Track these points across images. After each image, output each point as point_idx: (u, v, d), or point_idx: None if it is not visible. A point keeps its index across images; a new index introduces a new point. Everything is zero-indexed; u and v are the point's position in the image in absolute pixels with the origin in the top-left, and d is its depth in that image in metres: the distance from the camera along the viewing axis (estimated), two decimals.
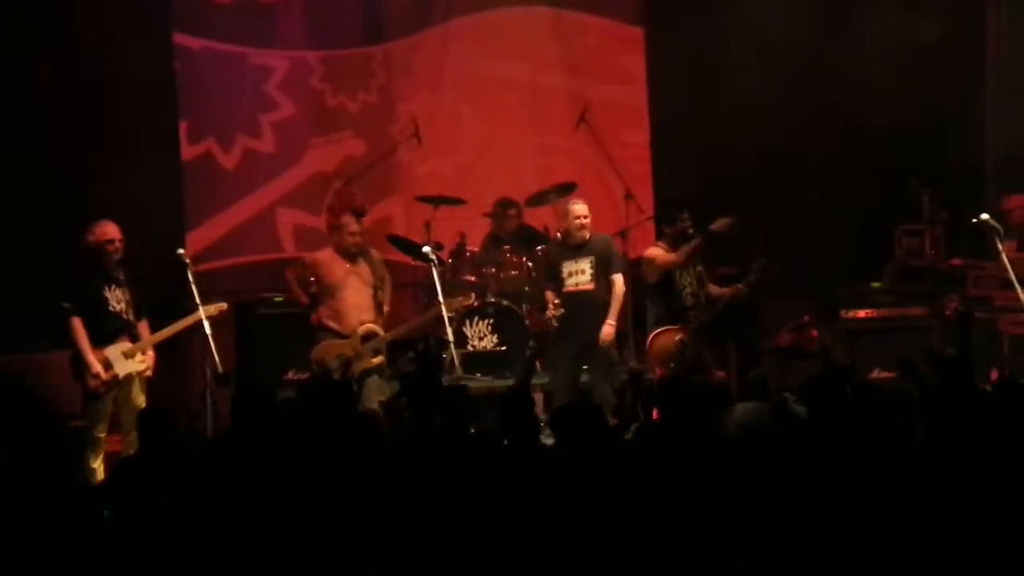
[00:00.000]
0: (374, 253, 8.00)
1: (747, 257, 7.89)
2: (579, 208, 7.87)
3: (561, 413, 5.15)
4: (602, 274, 7.82)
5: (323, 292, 7.80)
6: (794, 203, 8.76)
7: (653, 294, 7.74)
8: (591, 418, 4.94)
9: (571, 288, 7.80)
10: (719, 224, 7.53)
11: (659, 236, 7.94)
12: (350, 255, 7.83)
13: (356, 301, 7.76)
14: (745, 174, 9.53)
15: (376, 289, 7.84)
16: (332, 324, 7.75)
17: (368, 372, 7.69)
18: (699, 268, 7.73)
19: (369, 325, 7.73)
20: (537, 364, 8.75)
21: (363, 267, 7.84)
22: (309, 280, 7.89)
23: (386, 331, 7.79)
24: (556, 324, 7.76)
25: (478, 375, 8.70)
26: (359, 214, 8.48)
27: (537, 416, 5.36)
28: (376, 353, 7.71)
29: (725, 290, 7.74)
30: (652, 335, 7.72)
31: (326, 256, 7.90)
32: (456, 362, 7.93)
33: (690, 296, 7.66)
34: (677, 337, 7.58)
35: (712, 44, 9.56)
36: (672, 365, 7.57)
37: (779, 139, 9.24)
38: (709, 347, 7.79)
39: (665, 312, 7.65)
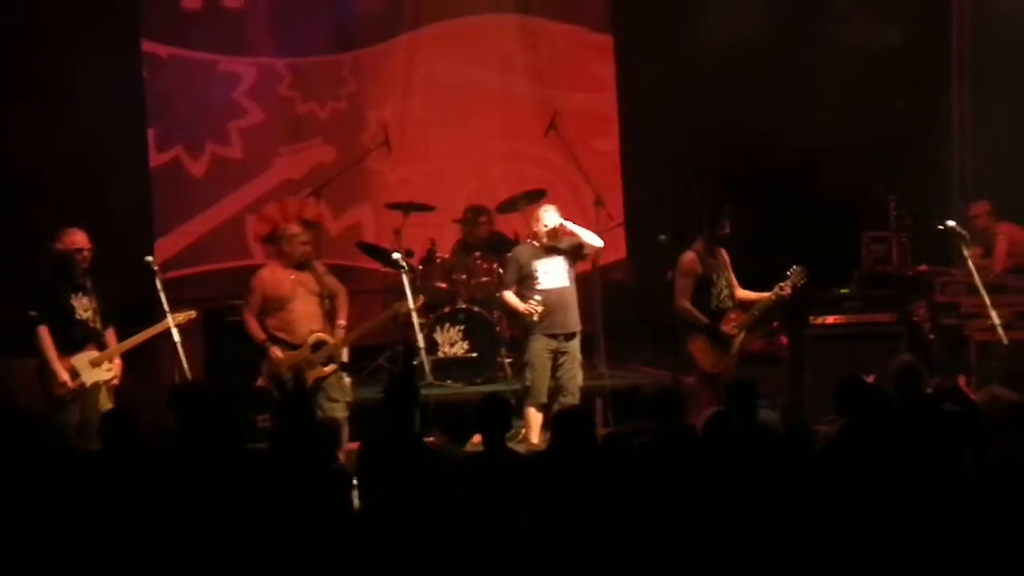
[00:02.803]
0: (318, 266, 7.79)
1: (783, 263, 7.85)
2: (556, 217, 7.84)
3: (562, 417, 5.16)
4: (572, 274, 7.82)
5: (270, 306, 7.62)
6: (762, 209, 8.73)
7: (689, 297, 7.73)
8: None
9: (549, 286, 7.77)
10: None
11: (695, 240, 7.85)
12: (296, 265, 7.70)
13: (304, 311, 7.59)
14: (713, 181, 9.53)
15: (323, 298, 7.71)
16: (282, 335, 7.61)
17: (320, 381, 7.56)
18: (727, 272, 7.77)
19: (319, 334, 7.60)
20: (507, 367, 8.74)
21: (307, 276, 7.66)
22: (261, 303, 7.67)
23: (340, 341, 7.66)
24: (536, 320, 7.69)
25: (449, 381, 8.65)
26: (312, 225, 8.39)
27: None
28: (328, 361, 7.61)
29: (762, 295, 7.73)
30: (695, 338, 7.72)
31: (269, 272, 7.69)
32: (427, 368, 7.85)
33: (728, 298, 7.73)
34: (727, 335, 7.61)
35: (680, 50, 9.56)
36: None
37: (747, 146, 9.25)
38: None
39: (705, 315, 7.68)
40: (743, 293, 7.80)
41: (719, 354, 7.66)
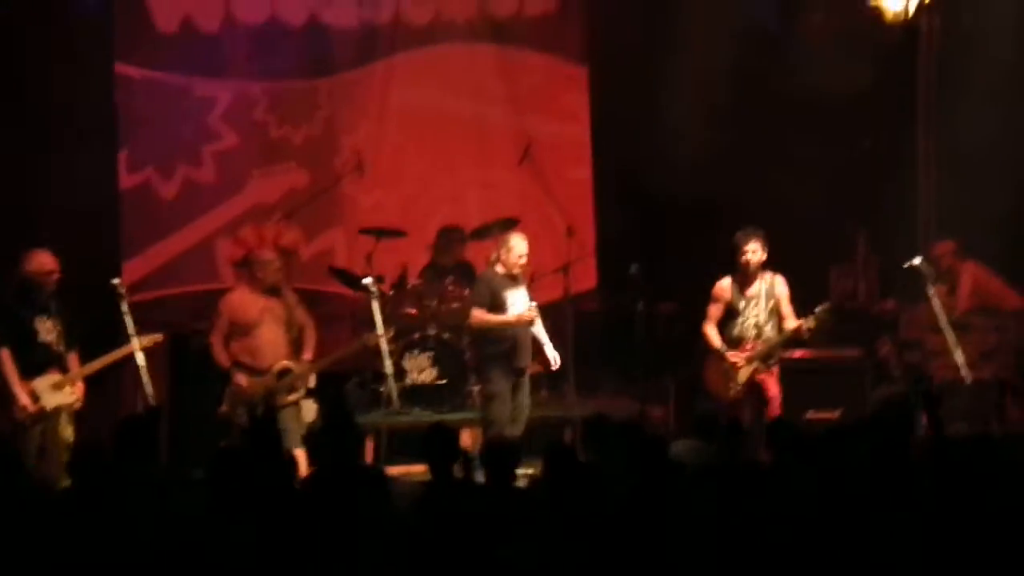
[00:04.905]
0: (290, 295, 7.80)
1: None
2: (524, 247, 7.85)
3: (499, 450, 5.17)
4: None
5: (236, 331, 7.59)
6: (730, 239, 8.71)
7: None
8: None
9: (514, 319, 7.74)
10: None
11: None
12: (267, 291, 7.65)
13: (270, 338, 7.58)
14: (685, 215, 9.54)
15: (290, 326, 7.65)
16: (247, 360, 7.56)
17: (283, 408, 7.51)
18: (777, 303, 7.79)
19: (284, 362, 7.57)
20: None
21: (276, 304, 7.65)
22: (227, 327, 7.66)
23: (306, 370, 7.61)
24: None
25: (416, 409, 8.57)
26: (285, 252, 8.37)
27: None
28: (292, 390, 7.54)
29: (790, 327, 7.76)
30: (708, 362, 7.91)
31: (238, 296, 7.72)
32: (394, 396, 7.82)
33: (752, 328, 7.79)
34: (731, 363, 7.72)
35: (654, 82, 9.57)
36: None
37: (718, 181, 9.27)
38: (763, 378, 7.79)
39: (726, 341, 7.81)
40: (788, 324, 7.77)
41: (726, 381, 7.75)
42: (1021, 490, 4.58)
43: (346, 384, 8.71)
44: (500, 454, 5.25)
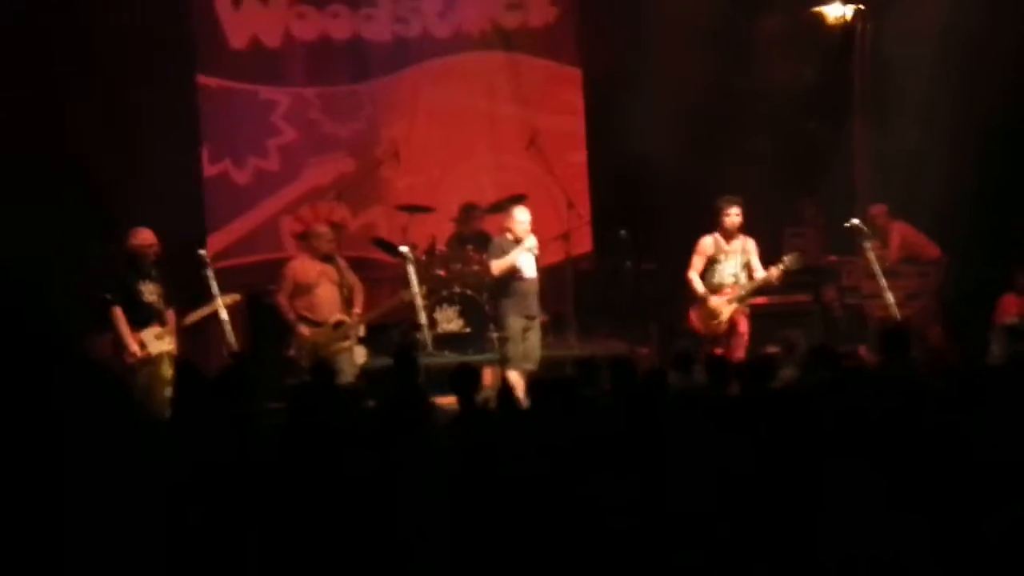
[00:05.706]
0: (341, 261, 8.08)
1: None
2: (526, 216, 8.06)
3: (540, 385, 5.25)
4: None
5: (299, 291, 7.89)
6: (703, 211, 8.91)
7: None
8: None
9: (524, 276, 7.96)
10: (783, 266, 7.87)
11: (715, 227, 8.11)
12: (322, 258, 7.94)
13: (327, 296, 7.87)
14: (664, 189, 9.73)
15: (342, 287, 7.93)
16: (307, 315, 7.87)
17: (339, 353, 7.77)
18: (748, 259, 7.99)
19: (338, 316, 7.86)
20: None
21: (331, 268, 7.93)
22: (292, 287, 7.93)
23: (356, 322, 7.87)
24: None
25: (446, 352, 8.81)
26: (337, 227, 8.65)
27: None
28: (345, 338, 7.83)
29: (761, 275, 7.96)
30: (693, 306, 8.04)
31: (299, 262, 8.02)
32: (428, 342, 8.05)
33: (730, 276, 7.97)
34: (711, 305, 7.87)
35: (636, 81, 9.74)
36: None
37: (691, 161, 9.44)
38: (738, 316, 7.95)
39: (708, 288, 7.97)
40: (759, 274, 7.98)
41: (710, 321, 7.90)
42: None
43: (404, 331, 8.86)
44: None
